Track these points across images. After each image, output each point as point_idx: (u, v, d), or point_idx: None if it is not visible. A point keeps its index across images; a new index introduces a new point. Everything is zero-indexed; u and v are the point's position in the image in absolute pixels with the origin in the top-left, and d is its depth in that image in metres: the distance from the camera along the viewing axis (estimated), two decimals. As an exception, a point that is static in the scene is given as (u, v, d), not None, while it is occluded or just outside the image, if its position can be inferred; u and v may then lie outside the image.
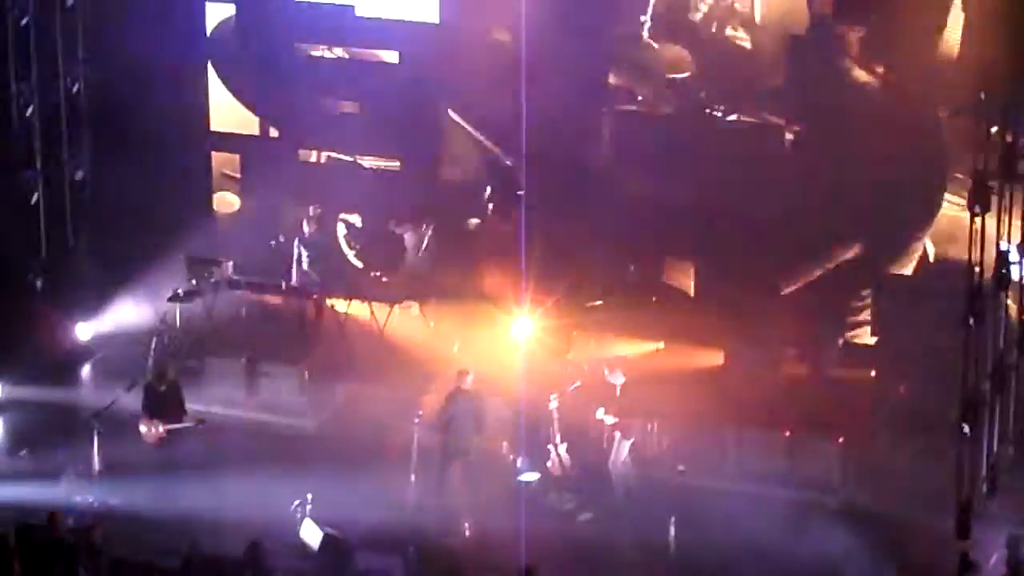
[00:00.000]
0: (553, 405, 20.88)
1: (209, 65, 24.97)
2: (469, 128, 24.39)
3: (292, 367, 23.10)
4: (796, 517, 20.05)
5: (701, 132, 23.05)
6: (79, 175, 25.03)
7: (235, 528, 19.15)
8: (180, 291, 24.06)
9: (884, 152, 21.72)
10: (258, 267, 24.63)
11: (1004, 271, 19.87)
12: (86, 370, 24.13)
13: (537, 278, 22.81)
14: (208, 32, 24.98)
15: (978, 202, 19.26)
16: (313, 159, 25.15)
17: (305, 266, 24.37)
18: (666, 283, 23.66)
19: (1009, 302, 20.58)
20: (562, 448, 20.89)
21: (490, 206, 24.41)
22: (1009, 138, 19.59)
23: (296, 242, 24.46)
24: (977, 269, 19.43)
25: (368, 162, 24.95)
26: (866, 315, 22.91)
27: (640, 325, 23.41)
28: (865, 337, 22.92)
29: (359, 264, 25.17)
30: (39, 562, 18.05)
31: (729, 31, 23.08)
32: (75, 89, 24.76)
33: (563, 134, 23.22)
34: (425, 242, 24.76)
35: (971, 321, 19.30)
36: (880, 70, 22.21)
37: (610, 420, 20.72)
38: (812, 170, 22.20)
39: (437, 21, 23.79)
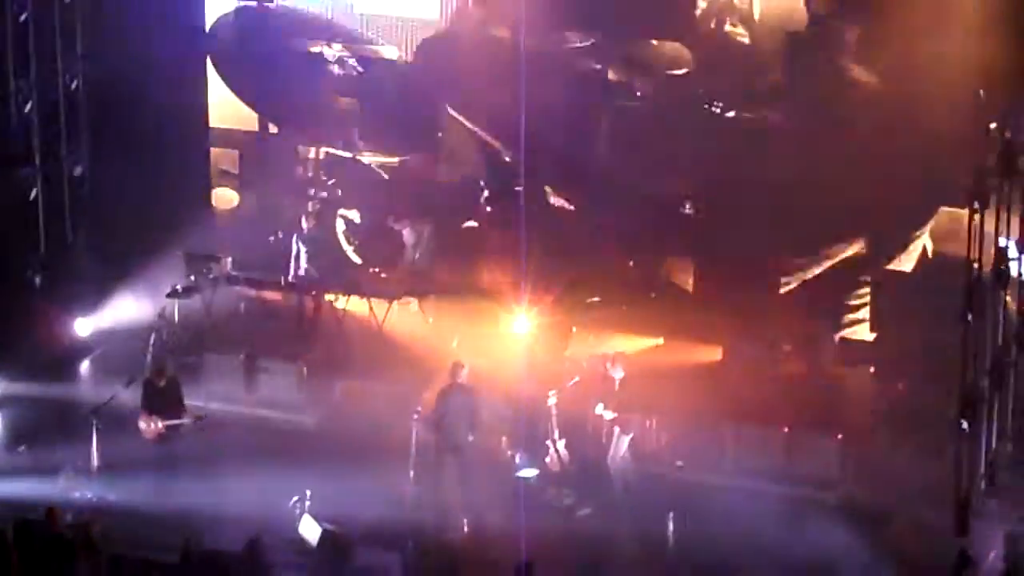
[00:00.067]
0: (552, 401, 20.88)
1: (208, 61, 24.98)
2: (468, 124, 24.39)
3: (291, 363, 23.08)
4: (794, 513, 20.04)
5: (700, 128, 23.05)
6: (78, 171, 25.00)
7: (234, 524, 19.10)
8: (179, 287, 24.05)
9: (883, 149, 21.73)
10: (257, 263, 24.64)
11: (1003, 267, 19.86)
12: (85, 366, 24.12)
13: (536, 274, 22.81)
14: (207, 28, 24.98)
15: (977, 198, 19.25)
16: (312, 155, 25.16)
17: (304, 262, 24.36)
18: (665, 280, 23.67)
19: (1008, 298, 20.57)
20: (561, 444, 20.89)
21: (488, 203, 24.42)
22: (1008, 134, 19.59)
23: (295, 238, 24.45)
24: (976, 265, 19.42)
25: (367, 158, 24.95)
26: (865, 312, 22.93)
27: (639, 322, 23.42)
28: (864, 334, 22.93)
29: (358, 260, 25.17)
30: (37, 558, 18.02)
31: (728, 27, 23.08)
32: (74, 85, 24.73)
33: (562, 130, 23.23)
34: (424, 238, 24.76)
35: (970, 317, 19.29)
36: (878, 67, 22.22)
37: (609, 415, 20.71)
38: (811, 167, 22.20)
39: (437, 17, 23.82)
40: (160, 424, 20.61)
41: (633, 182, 23.37)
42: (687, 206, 23.36)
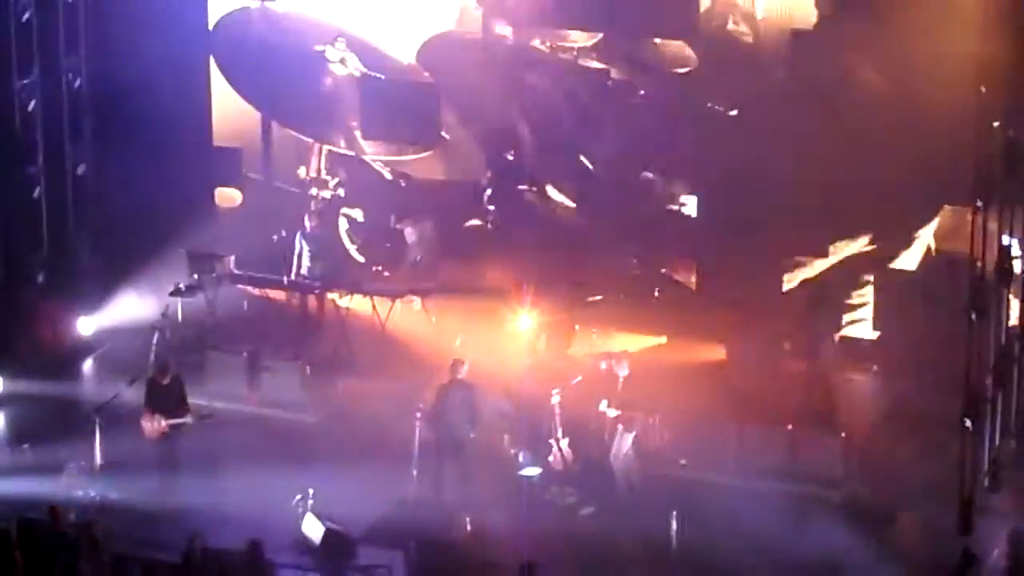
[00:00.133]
0: (555, 400, 20.86)
1: (211, 60, 24.98)
2: (470, 123, 24.39)
3: (294, 362, 23.11)
4: (798, 512, 20.03)
5: (703, 127, 23.04)
6: (81, 170, 25.03)
7: (237, 523, 19.13)
8: (182, 285, 24.06)
9: (887, 147, 21.70)
10: (260, 262, 24.63)
11: (1006, 265, 19.85)
12: (88, 364, 24.14)
13: (539, 273, 22.80)
14: (210, 27, 24.99)
15: (980, 196, 19.24)
16: (315, 154, 25.15)
17: (307, 261, 24.37)
18: (668, 278, 23.66)
19: (1011, 296, 20.55)
20: (564, 443, 20.87)
21: (491, 202, 24.41)
22: (1011, 132, 19.56)
23: (298, 237, 24.46)
24: (979, 263, 19.41)
25: (370, 157, 24.95)
26: (868, 310, 22.91)
27: (642, 320, 23.41)
28: (867, 332, 22.91)
29: (361, 259, 25.17)
30: (40, 556, 18.02)
31: (731, 26, 23.07)
32: (77, 84, 24.78)
33: (565, 129, 23.22)
34: (427, 237, 24.76)
35: (973, 316, 19.28)
36: (882, 66, 22.19)
37: (612, 413, 20.70)
38: (814, 166, 22.18)
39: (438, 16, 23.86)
40: (163, 423, 20.61)
41: (636, 180, 23.36)
42: (689, 205, 23.37)
